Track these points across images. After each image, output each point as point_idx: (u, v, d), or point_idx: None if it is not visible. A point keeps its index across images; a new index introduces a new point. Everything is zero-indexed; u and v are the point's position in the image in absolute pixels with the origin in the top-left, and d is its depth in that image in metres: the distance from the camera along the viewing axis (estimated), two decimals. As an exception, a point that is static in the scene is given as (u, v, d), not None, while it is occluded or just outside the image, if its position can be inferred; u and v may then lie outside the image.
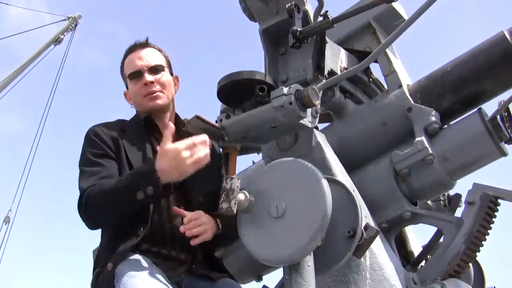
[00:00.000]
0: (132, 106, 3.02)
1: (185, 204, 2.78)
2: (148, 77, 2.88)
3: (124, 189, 2.49)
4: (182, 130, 3.00)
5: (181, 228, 2.53)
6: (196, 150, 2.42)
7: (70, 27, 18.76)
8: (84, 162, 2.74)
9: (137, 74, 2.91)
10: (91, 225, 2.66)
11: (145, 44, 3.01)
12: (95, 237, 2.84)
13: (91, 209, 2.58)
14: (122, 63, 3.02)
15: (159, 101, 2.88)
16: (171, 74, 3.04)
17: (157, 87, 2.89)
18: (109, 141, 2.77)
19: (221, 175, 2.99)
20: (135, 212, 2.61)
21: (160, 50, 3.04)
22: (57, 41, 18.54)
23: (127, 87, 3.02)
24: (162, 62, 3.00)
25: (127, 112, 3.06)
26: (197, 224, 2.57)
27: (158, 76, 2.92)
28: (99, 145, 2.75)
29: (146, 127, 2.90)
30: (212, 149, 3.05)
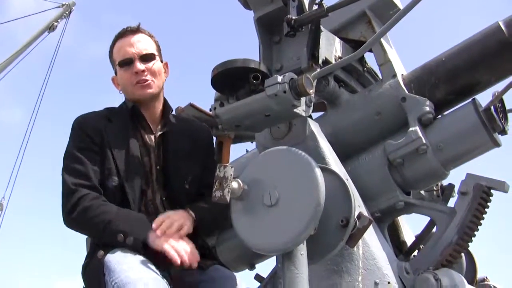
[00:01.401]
0: (121, 92, 2.98)
1: (169, 192, 2.79)
2: (139, 65, 2.84)
3: (110, 226, 2.55)
4: (172, 115, 2.99)
5: (158, 233, 2.52)
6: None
7: (64, 14, 18.68)
8: (68, 155, 2.78)
9: (127, 62, 2.86)
10: (69, 226, 2.72)
11: (136, 30, 2.94)
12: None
13: (76, 228, 2.71)
14: (111, 48, 2.96)
15: (150, 90, 2.85)
16: (161, 60, 2.99)
17: (148, 76, 2.85)
18: (93, 133, 2.77)
19: (208, 161, 2.99)
20: (123, 205, 2.65)
21: (151, 36, 2.98)
22: (51, 28, 18.46)
23: (115, 72, 2.98)
24: (153, 49, 2.95)
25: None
26: (168, 224, 2.55)
27: (149, 64, 2.87)
28: (82, 138, 2.76)
29: (132, 116, 2.87)
30: (200, 135, 3.05)
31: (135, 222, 2.59)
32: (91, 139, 2.75)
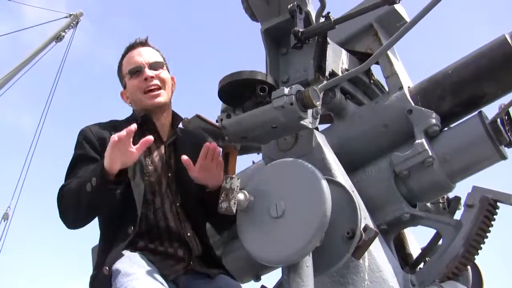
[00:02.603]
0: (130, 105, 3.02)
1: (182, 200, 2.78)
2: (149, 72, 2.91)
3: (79, 184, 2.56)
4: (179, 128, 3.01)
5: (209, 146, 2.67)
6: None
7: (72, 24, 18.80)
8: (70, 164, 2.80)
9: (137, 69, 2.93)
10: (67, 225, 2.72)
11: (144, 43, 3.05)
12: (95, 233, 2.85)
13: (61, 210, 2.68)
14: (120, 62, 3.04)
15: (160, 99, 2.90)
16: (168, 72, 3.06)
17: (157, 82, 2.91)
18: (97, 142, 2.78)
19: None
20: (124, 213, 2.64)
21: (158, 50, 3.08)
22: (58, 38, 18.58)
23: (124, 87, 3.03)
24: (161, 60, 3.03)
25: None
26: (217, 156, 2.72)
27: (158, 72, 2.95)
28: (85, 148, 2.78)
29: (142, 125, 2.87)
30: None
31: (93, 168, 2.58)
32: (92, 147, 2.77)
